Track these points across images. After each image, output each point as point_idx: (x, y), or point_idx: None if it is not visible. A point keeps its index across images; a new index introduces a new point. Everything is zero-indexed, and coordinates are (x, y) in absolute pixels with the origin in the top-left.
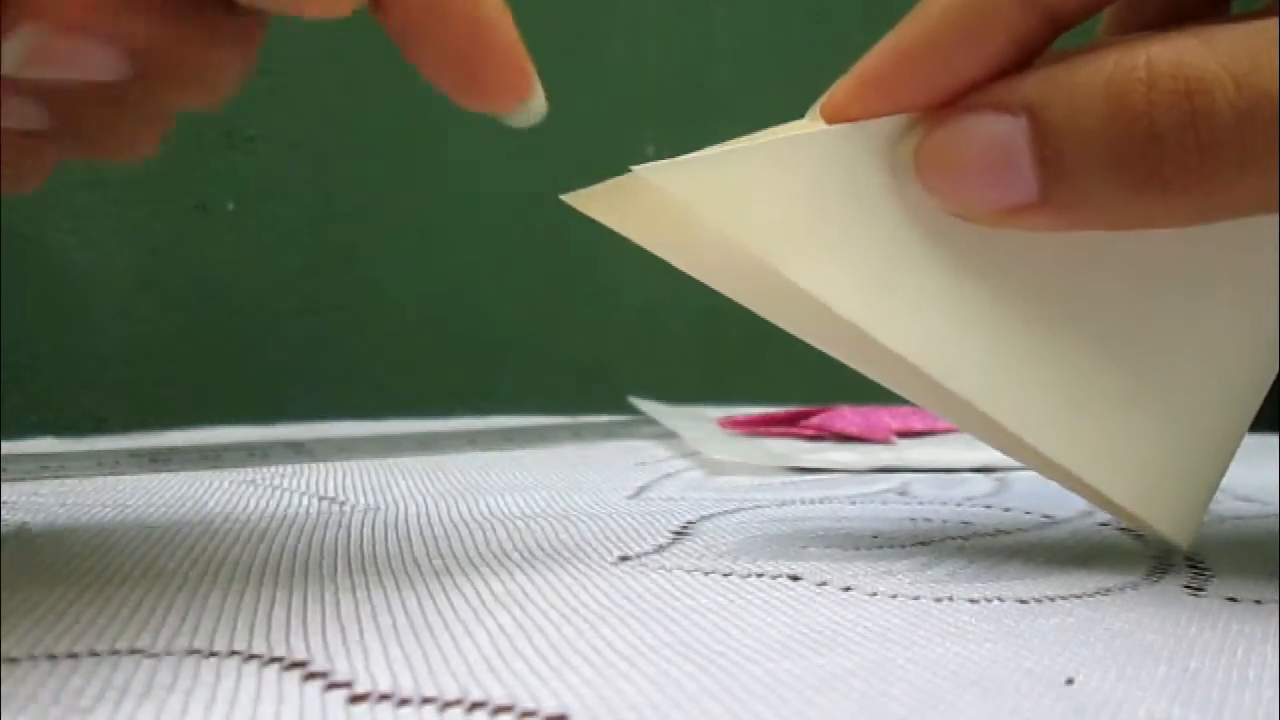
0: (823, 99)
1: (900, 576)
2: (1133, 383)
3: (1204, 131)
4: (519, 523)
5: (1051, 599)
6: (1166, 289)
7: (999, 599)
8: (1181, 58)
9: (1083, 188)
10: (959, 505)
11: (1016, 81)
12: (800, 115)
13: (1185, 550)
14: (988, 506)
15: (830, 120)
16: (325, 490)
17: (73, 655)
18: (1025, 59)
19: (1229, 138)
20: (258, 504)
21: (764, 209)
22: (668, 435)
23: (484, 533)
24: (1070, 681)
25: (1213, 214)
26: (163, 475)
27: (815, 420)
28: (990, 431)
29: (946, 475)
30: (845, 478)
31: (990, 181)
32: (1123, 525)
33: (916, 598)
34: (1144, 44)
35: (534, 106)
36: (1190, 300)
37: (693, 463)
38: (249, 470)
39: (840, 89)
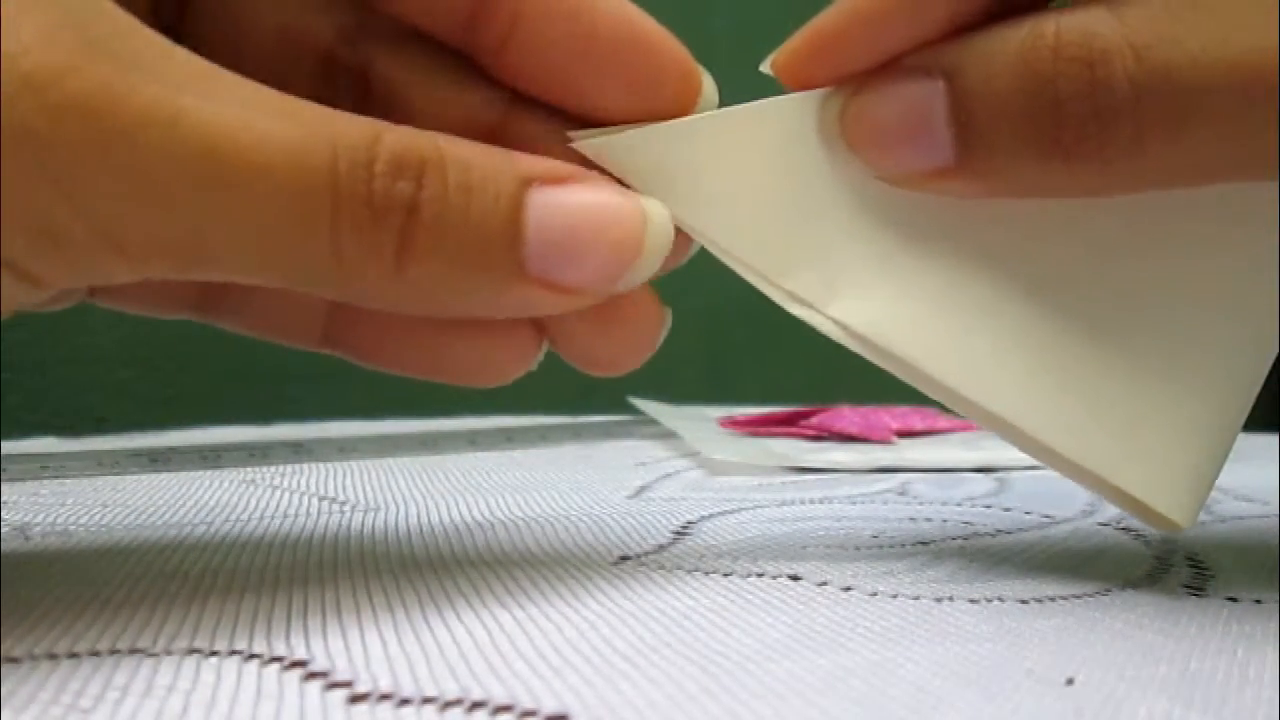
0: (773, 54)
1: (900, 576)
2: (1124, 357)
3: (1101, 100)
4: (519, 523)
5: (1051, 599)
6: (1156, 260)
7: (999, 599)
8: (1088, 27)
9: (994, 153)
10: (959, 505)
11: (939, 47)
12: None
13: (1184, 528)
14: (988, 506)
15: (778, 75)
16: (325, 490)
17: (73, 655)
18: (968, 27)
19: (1125, 108)
20: (258, 504)
21: (698, 181)
22: (668, 435)
23: (484, 533)
24: (1070, 681)
25: (1116, 185)
26: (163, 475)
27: (815, 420)
28: (969, 408)
29: (946, 475)
30: (845, 478)
31: (909, 145)
32: (1122, 525)
33: (916, 598)
34: (1058, 13)
35: (708, 93)
36: (1185, 272)
37: (693, 463)
38: (249, 470)
39: (789, 48)
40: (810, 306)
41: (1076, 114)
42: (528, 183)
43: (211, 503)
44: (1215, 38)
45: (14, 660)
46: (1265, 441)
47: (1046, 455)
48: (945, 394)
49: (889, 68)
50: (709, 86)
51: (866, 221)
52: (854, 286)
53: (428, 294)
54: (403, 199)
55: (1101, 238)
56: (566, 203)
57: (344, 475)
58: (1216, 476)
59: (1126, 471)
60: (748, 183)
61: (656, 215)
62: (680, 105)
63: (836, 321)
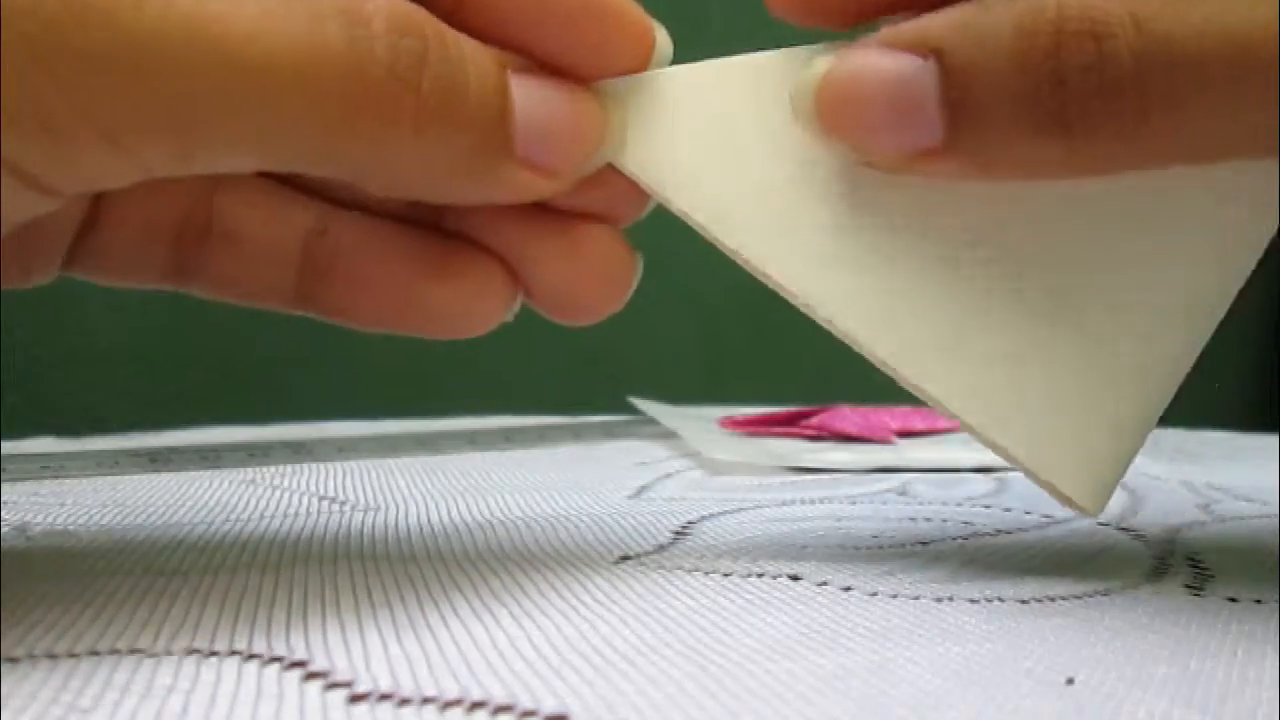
0: None
1: (900, 576)
2: (1049, 342)
3: (1107, 75)
4: (519, 523)
5: (1051, 599)
6: (1093, 247)
7: (999, 599)
8: (1090, 0)
9: (989, 132)
10: (959, 505)
11: (927, 21)
12: None
13: (1094, 514)
14: (988, 506)
15: (775, 10)
16: (325, 490)
17: (73, 655)
18: None
19: (1129, 83)
20: (257, 504)
21: (650, 135)
22: (668, 435)
23: (484, 532)
24: (1070, 681)
25: (1118, 163)
26: (163, 475)
27: (815, 420)
28: (897, 375)
29: (946, 475)
30: (845, 478)
31: (894, 124)
32: (1123, 525)
33: (916, 598)
34: None
35: (662, 49)
36: (1120, 261)
37: (693, 463)
38: (249, 470)
39: None
40: (746, 260)
41: (1081, 89)
42: (504, 66)
43: (211, 503)
44: (1218, 9)
45: (14, 660)
46: (1265, 441)
47: (969, 429)
48: (873, 358)
49: (868, 41)
50: (663, 42)
51: (804, 186)
52: (790, 247)
53: (431, 167)
54: (413, 56)
55: (1038, 220)
56: (540, 85)
57: (344, 475)
58: (1129, 465)
59: (1040, 454)
60: (699, 140)
61: (611, 95)
62: (635, 62)
63: (771, 278)
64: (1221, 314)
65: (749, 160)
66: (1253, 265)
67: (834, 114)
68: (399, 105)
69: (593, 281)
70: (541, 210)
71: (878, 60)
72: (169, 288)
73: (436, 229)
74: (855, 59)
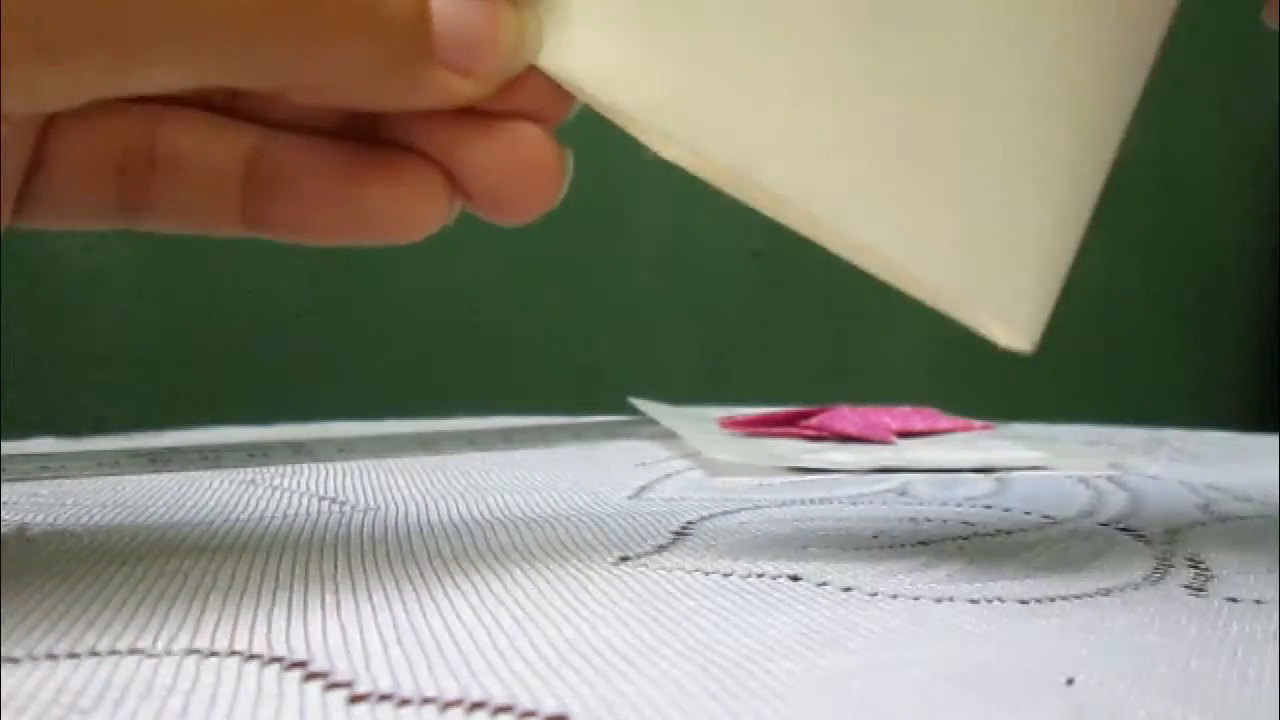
0: None
1: (900, 576)
2: (951, 167)
3: None
4: (519, 523)
5: (1051, 599)
6: (1000, 54)
7: (999, 599)
8: None
9: None
10: (959, 505)
11: None
12: None
13: (1028, 350)
14: (988, 506)
15: None
16: (325, 490)
17: (73, 655)
18: None
19: None
20: (258, 504)
21: (572, 36)
22: (668, 435)
23: (484, 533)
24: (1070, 681)
25: None
26: (163, 475)
27: (815, 420)
28: (785, 210)
29: (946, 475)
30: (845, 478)
31: None
32: (1123, 525)
33: (916, 598)
34: None
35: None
36: (1030, 69)
37: (693, 463)
38: (249, 470)
39: None
40: (667, 139)
41: None
42: None
43: (211, 503)
44: None
45: (14, 660)
46: (1265, 442)
47: (872, 260)
48: (759, 195)
49: None
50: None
51: (716, 58)
52: (706, 120)
53: (355, 72)
54: None
55: (934, 44)
56: None
57: (344, 475)
58: (1057, 290)
59: (966, 287)
60: (611, 33)
61: (525, 1)
62: None
63: (695, 155)
64: (1134, 103)
65: (661, 44)
66: (1160, 35)
67: None
68: (319, 11)
69: (524, 179)
70: (471, 115)
71: None
72: (119, 225)
73: (373, 141)
74: None
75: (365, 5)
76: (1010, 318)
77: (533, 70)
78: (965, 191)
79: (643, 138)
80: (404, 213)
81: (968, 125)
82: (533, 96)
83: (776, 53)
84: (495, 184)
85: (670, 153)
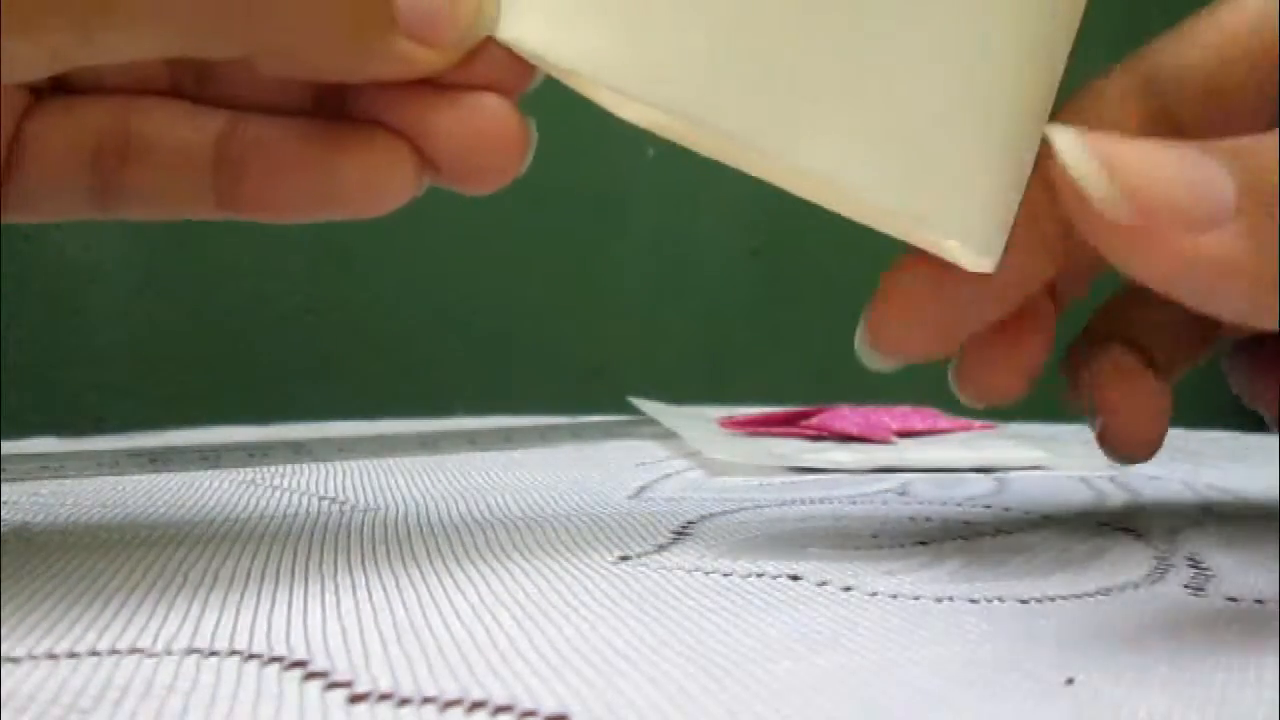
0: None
1: (900, 576)
2: (894, 87)
3: None
4: (519, 522)
5: (1051, 599)
6: None
7: (999, 599)
8: None
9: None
10: (959, 505)
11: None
12: None
13: (989, 271)
14: (988, 506)
15: (877, 349)
16: (325, 490)
17: (73, 655)
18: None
19: None
20: (258, 504)
21: (526, 7)
22: (668, 435)
23: (484, 533)
24: (1070, 681)
25: None
26: (163, 475)
27: (815, 420)
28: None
29: (946, 475)
30: (845, 478)
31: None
32: (1123, 525)
33: (916, 598)
34: None
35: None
36: None
37: (693, 463)
38: (249, 470)
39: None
40: (623, 92)
41: None
42: None
43: (211, 503)
44: None
45: (14, 660)
46: (1265, 441)
47: (826, 192)
48: (713, 141)
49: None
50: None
51: (663, 12)
52: (662, 71)
53: (320, 42)
54: None
55: None
56: None
57: (344, 475)
58: (1014, 209)
59: (920, 209)
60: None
61: None
62: None
63: (649, 105)
64: (1078, 15)
65: (601, 3)
66: None
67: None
68: None
69: (488, 148)
70: (435, 87)
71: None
72: (92, 215)
73: (340, 117)
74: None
75: None
76: (967, 237)
77: (492, 42)
78: (907, 111)
79: (602, 101)
80: (372, 185)
81: (903, 45)
82: (493, 68)
83: (711, 6)
84: (460, 154)
85: (628, 113)
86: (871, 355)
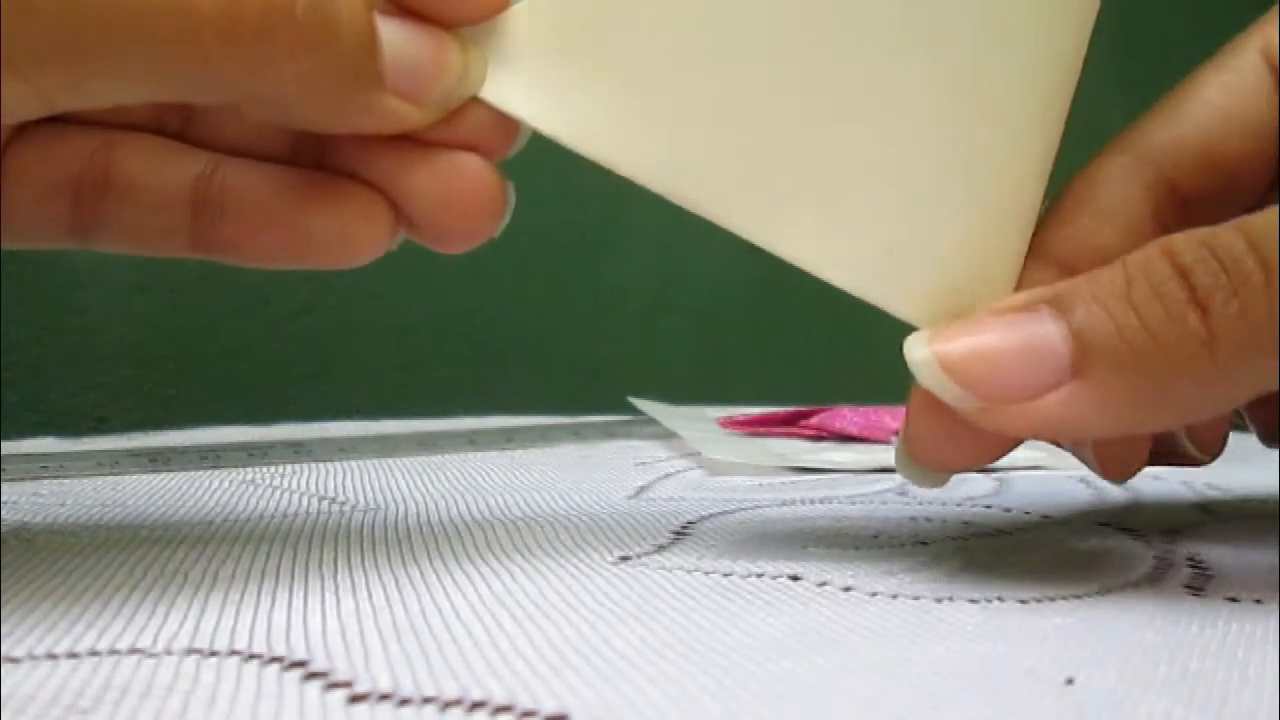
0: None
1: (900, 576)
2: (871, 175)
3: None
4: (519, 523)
5: (1051, 599)
6: (927, 54)
7: (999, 599)
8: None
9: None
10: (959, 505)
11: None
12: None
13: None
14: (988, 506)
15: (920, 464)
16: (325, 490)
17: (73, 655)
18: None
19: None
20: (258, 504)
21: (515, 68)
22: (668, 435)
23: (484, 533)
24: (1070, 681)
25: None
26: (163, 475)
27: (815, 420)
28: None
29: None
30: (845, 478)
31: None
32: (1123, 525)
33: (916, 598)
34: None
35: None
36: (935, 85)
37: (693, 463)
38: (249, 470)
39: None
40: (607, 163)
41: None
42: (371, 6)
43: (211, 503)
44: None
45: (14, 660)
46: None
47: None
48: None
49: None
50: None
51: (646, 85)
52: (645, 144)
53: (308, 94)
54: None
55: (851, 39)
56: (404, 25)
57: (344, 475)
58: (1010, 292)
59: (906, 296)
60: (551, 65)
61: (469, 36)
62: (490, 11)
63: (631, 174)
64: (1070, 93)
65: (591, 79)
66: (1089, 28)
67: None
68: (274, 33)
69: (463, 208)
70: (416, 143)
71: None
72: (70, 246)
73: (319, 169)
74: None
75: (317, 27)
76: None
77: (476, 103)
78: (889, 206)
79: (581, 150)
80: (347, 237)
81: (888, 138)
82: (476, 128)
83: (695, 85)
84: (435, 211)
85: (619, 171)
86: (917, 472)
